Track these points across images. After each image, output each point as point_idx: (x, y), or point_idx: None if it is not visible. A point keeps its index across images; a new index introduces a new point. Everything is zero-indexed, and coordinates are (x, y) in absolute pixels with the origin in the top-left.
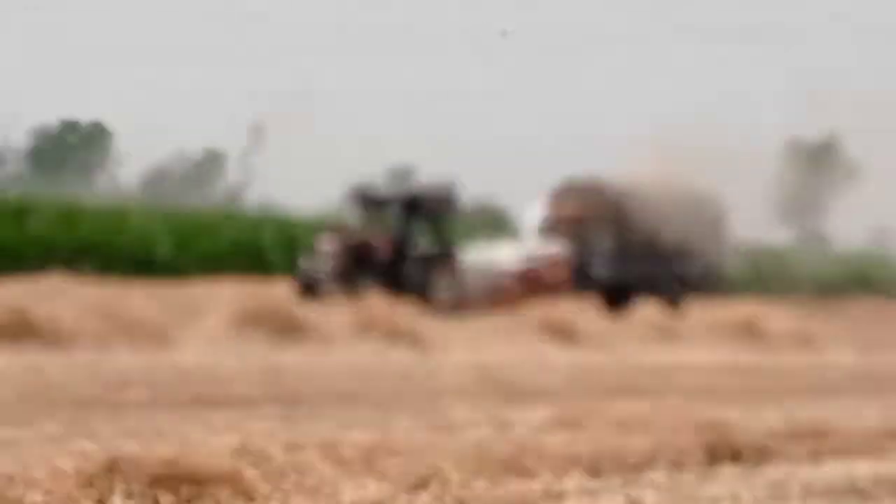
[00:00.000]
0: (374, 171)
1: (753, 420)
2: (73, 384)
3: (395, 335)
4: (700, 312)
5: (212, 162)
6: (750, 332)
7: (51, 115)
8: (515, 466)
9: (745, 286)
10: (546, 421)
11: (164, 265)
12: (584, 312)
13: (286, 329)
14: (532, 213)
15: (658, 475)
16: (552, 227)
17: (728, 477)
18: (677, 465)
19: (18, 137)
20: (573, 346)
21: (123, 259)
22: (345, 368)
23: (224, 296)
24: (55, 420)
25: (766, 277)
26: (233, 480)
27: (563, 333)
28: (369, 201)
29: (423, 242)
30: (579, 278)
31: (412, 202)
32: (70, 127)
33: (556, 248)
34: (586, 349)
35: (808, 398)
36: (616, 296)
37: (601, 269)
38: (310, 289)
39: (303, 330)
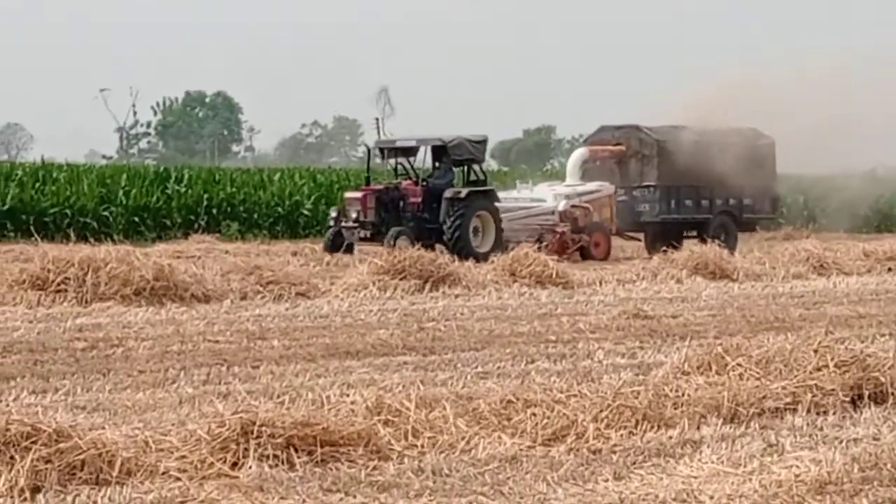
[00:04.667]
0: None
1: None
2: (212, 340)
3: (540, 280)
4: (848, 245)
5: (345, 128)
6: None
7: (177, 88)
8: (653, 415)
9: (799, 219)
10: (687, 361)
11: (306, 223)
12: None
13: (429, 279)
14: (574, 154)
15: (798, 419)
16: (594, 166)
17: (870, 418)
18: (818, 406)
19: (147, 110)
20: (721, 282)
21: (265, 218)
22: (487, 314)
23: (365, 250)
24: (192, 379)
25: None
26: (367, 440)
27: (712, 270)
28: (396, 151)
29: (455, 187)
30: (624, 218)
31: (440, 149)
32: (196, 98)
33: (598, 186)
34: (735, 283)
35: None
36: (662, 235)
37: (646, 208)
38: (338, 241)
39: (446, 280)
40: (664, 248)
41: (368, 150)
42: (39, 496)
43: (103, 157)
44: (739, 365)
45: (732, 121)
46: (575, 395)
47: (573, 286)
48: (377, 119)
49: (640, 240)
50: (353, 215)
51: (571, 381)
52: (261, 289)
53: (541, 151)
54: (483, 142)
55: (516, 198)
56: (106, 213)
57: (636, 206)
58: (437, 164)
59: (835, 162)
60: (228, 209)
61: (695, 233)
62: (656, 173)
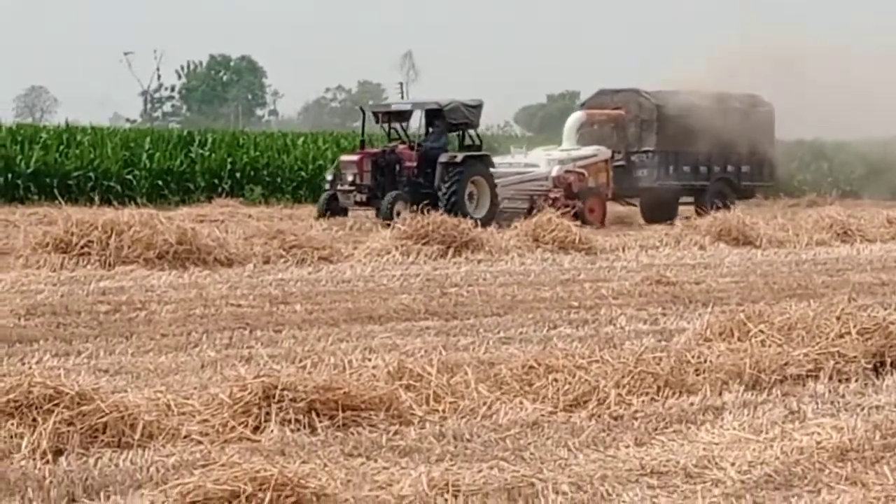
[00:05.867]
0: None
1: None
2: (234, 304)
3: (563, 245)
4: (872, 212)
5: (369, 92)
6: None
7: (201, 51)
8: (675, 382)
9: (799, 185)
10: (710, 328)
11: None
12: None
13: (452, 245)
14: (571, 117)
15: (820, 385)
16: (591, 130)
17: (892, 386)
18: (840, 374)
19: (171, 74)
20: (744, 248)
21: (288, 182)
22: (510, 279)
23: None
24: (215, 343)
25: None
26: (388, 404)
27: (735, 237)
28: (391, 115)
29: (450, 151)
30: (621, 183)
31: (435, 112)
32: (221, 62)
33: (594, 151)
34: (758, 250)
35: None
36: (659, 202)
37: (643, 174)
38: (333, 205)
39: (469, 245)
40: (661, 213)
41: (363, 113)
42: (62, 458)
43: (127, 120)
44: (762, 332)
45: (752, 86)
46: (597, 361)
47: (596, 252)
48: (401, 83)
49: (635, 205)
50: (350, 179)
51: (593, 347)
52: (284, 253)
53: (564, 117)
54: (479, 106)
55: (510, 163)
56: (130, 177)
57: (633, 171)
58: (429, 129)
59: (857, 128)
60: (252, 173)
61: (692, 199)
62: (655, 139)
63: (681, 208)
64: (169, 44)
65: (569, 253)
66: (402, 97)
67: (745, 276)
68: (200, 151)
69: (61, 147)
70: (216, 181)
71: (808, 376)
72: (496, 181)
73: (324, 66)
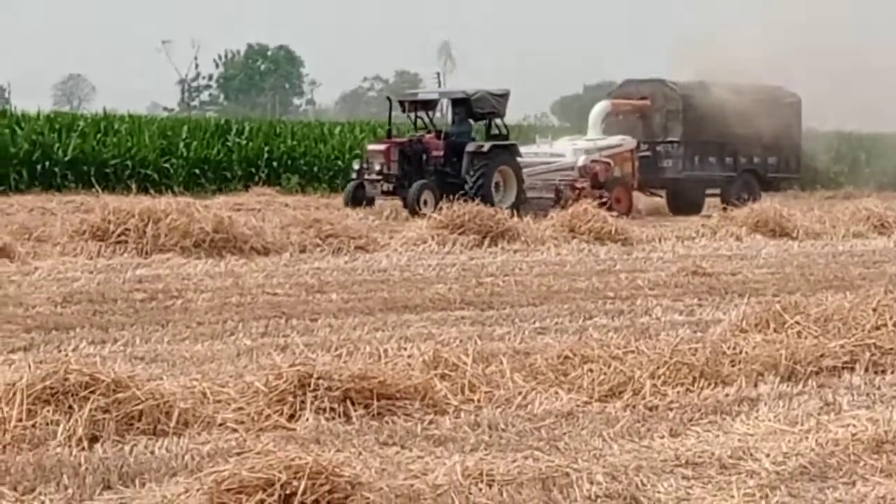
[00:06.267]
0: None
1: None
2: (270, 292)
3: (599, 236)
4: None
5: (406, 82)
6: None
7: (239, 41)
8: (710, 373)
9: (826, 177)
10: (746, 319)
11: None
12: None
13: (488, 234)
14: (596, 106)
15: (856, 377)
16: (617, 119)
17: None
18: (876, 366)
19: (209, 63)
20: (781, 240)
21: (325, 171)
22: (546, 270)
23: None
24: (251, 331)
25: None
26: (424, 393)
27: (772, 228)
28: (417, 104)
29: (477, 141)
30: (646, 174)
31: (462, 101)
32: (259, 52)
33: (620, 141)
34: (795, 242)
35: None
36: (684, 193)
37: (669, 164)
38: (360, 194)
39: (505, 235)
40: (687, 204)
41: (390, 102)
42: (97, 446)
43: (164, 109)
44: (798, 323)
45: (789, 78)
46: (632, 352)
47: (632, 242)
48: (438, 73)
49: (661, 196)
50: (377, 168)
51: (629, 338)
52: (320, 242)
53: None
54: (505, 95)
55: (536, 153)
56: (167, 165)
57: (659, 161)
58: (454, 118)
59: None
60: (289, 162)
61: (718, 191)
62: (681, 129)
63: (707, 200)
64: (207, 33)
65: (605, 243)
66: (440, 87)
67: (781, 267)
68: (237, 140)
69: (99, 135)
70: (253, 170)
71: (843, 368)
72: (523, 170)
73: (361, 56)
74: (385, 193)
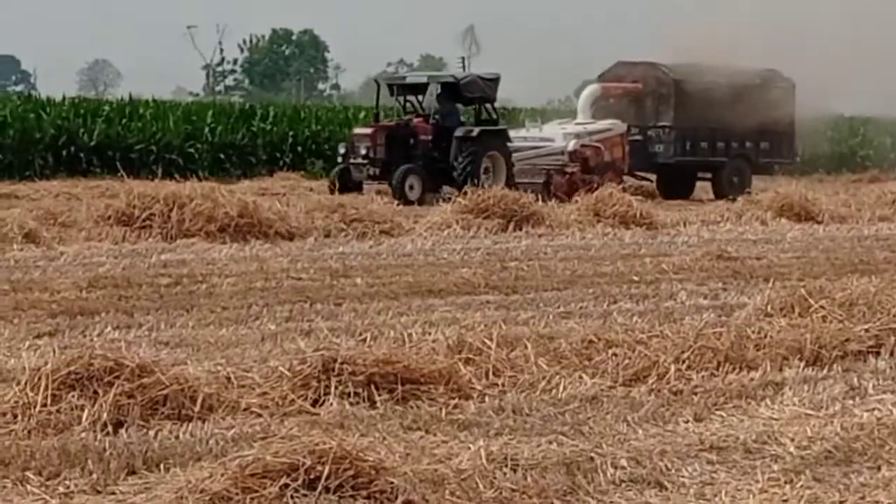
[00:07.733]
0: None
1: None
2: (295, 277)
3: (624, 220)
4: None
5: (431, 66)
6: None
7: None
8: (735, 357)
9: (818, 162)
10: (770, 303)
11: None
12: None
13: (512, 219)
14: (586, 90)
15: (881, 362)
16: (607, 103)
17: None
18: None
19: (233, 48)
20: (806, 224)
21: None
22: (570, 254)
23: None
24: (275, 316)
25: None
26: (448, 378)
27: (797, 213)
28: (406, 88)
29: (465, 125)
30: (637, 158)
31: (451, 86)
32: (283, 36)
33: (610, 125)
34: (820, 226)
35: None
36: (676, 177)
37: (660, 149)
38: (346, 178)
39: (530, 220)
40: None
41: (378, 85)
42: (122, 430)
43: (189, 93)
44: (823, 307)
45: (792, 62)
46: (657, 336)
47: (657, 227)
48: (463, 58)
49: (651, 181)
50: (363, 152)
51: (653, 322)
52: (344, 226)
53: None
54: (496, 80)
55: (525, 137)
56: (191, 150)
57: (650, 146)
58: (441, 103)
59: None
60: (313, 146)
61: (709, 175)
62: (672, 113)
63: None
64: (231, 18)
65: (629, 228)
66: (465, 72)
67: (806, 251)
68: (262, 125)
69: (123, 120)
70: (278, 154)
71: (869, 352)
72: (512, 154)
73: (386, 41)
74: (371, 178)
